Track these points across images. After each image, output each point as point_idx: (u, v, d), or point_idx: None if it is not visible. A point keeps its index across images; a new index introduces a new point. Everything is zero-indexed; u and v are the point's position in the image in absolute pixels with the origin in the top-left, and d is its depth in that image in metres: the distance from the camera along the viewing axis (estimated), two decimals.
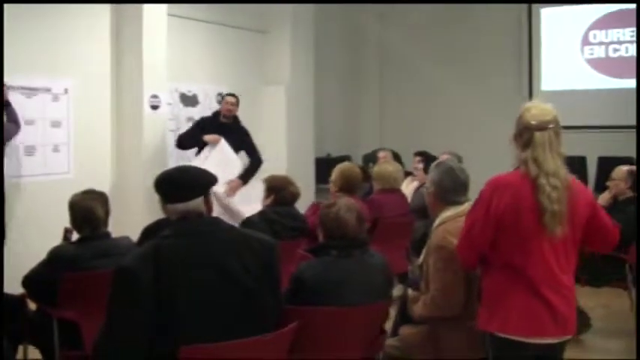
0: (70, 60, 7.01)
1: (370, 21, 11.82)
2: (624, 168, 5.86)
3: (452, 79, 11.16)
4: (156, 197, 2.88)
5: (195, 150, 7.39)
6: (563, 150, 2.97)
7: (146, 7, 7.36)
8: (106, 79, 7.41)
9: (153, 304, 2.51)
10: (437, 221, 3.49)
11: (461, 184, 3.55)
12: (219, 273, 2.62)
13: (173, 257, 2.58)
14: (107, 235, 3.98)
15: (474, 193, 3.19)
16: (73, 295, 3.63)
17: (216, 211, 4.18)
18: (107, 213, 4.03)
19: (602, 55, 10.46)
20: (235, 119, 7.42)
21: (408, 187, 7.02)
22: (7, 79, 6.00)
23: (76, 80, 7.05)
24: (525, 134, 2.94)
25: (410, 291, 3.68)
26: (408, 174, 7.25)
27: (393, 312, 3.66)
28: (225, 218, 3.96)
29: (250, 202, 6.27)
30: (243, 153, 7.42)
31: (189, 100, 7.30)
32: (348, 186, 5.50)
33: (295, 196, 4.93)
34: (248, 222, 4.70)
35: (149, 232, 4.30)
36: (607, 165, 8.24)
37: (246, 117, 8.48)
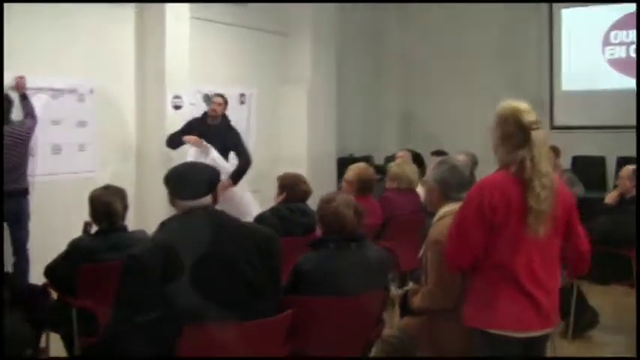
0: (96, 61, 7.26)
1: (391, 20, 11.95)
2: (631, 167, 5.95)
3: (472, 79, 11.23)
4: None
5: None
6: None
7: (169, 10, 7.60)
8: (130, 79, 7.67)
9: (158, 289, 2.69)
10: (436, 216, 3.62)
11: (465, 182, 3.67)
12: (221, 262, 2.80)
13: (178, 247, 2.76)
14: (124, 228, 4.19)
15: None
16: (90, 285, 3.85)
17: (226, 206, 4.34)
18: (125, 208, 4.25)
19: (623, 55, 10.46)
20: (224, 119, 7.45)
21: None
22: (35, 80, 6.27)
23: (101, 81, 7.30)
24: (519, 134, 2.98)
25: (411, 284, 3.83)
26: None
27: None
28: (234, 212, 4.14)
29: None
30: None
31: (211, 101, 7.50)
32: (364, 187, 5.65)
33: (307, 193, 5.09)
34: (260, 217, 4.87)
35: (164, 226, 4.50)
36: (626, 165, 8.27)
37: (267, 117, 8.71)
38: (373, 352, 3.58)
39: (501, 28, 11.08)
